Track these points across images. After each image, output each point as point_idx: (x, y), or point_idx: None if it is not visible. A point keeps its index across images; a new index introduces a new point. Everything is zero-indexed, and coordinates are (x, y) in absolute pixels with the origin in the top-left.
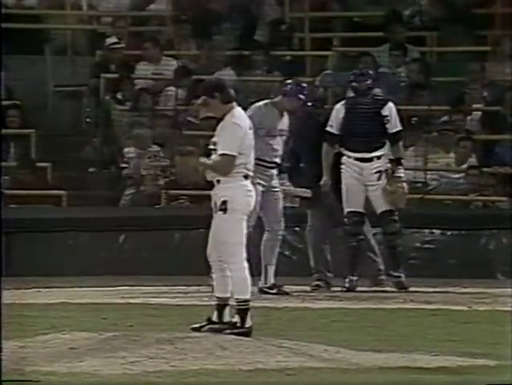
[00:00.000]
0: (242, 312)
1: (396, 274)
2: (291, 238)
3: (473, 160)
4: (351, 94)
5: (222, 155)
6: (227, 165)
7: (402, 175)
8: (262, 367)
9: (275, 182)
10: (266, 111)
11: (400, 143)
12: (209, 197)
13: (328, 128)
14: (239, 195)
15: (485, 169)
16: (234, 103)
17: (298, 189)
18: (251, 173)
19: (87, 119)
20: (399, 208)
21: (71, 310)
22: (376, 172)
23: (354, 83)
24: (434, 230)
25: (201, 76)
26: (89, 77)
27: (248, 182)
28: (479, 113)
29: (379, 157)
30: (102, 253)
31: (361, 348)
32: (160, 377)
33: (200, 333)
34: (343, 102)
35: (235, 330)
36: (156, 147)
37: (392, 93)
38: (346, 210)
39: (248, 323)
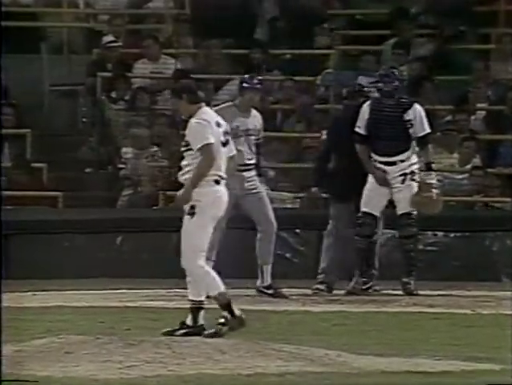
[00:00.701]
0: (225, 306)
1: (405, 280)
2: (293, 240)
3: (477, 161)
4: (376, 94)
5: (200, 148)
6: (209, 155)
7: (433, 181)
8: (261, 372)
9: (254, 183)
10: (225, 113)
11: (430, 146)
12: None
13: (356, 129)
14: (209, 200)
15: (489, 170)
16: (202, 104)
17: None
18: (224, 175)
19: (84, 119)
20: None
21: (68, 314)
22: (401, 175)
23: (379, 84)
24: (437, 232)
25: (199, 75)
26: (86, 76)
27: (220, 187)
28: (483, 112)
29: (403, 160)
30: (99, 255)
31: (362, 352)
32: (158, 382)
33: (198, 337)
34: (368, 102)
35: (187, 330)
36: (154, 148)
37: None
38: (362, 209)
39: (200, 321)
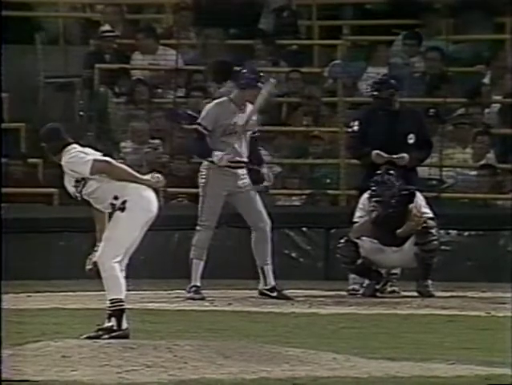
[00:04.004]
0: (118, 313)
1: (424, 283)
2: (298, 239)
3: (491, 156)
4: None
5: (91, 168)
6: (106, 165)
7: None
8: (266, 376)
9: (244, 181)
10: (219, 108)
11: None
12: None
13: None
14: (138, 196)
15: (503, 166)
16: (68, 143)
17: None
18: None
19: (81, 113)
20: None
21: (64, 316)
22: None
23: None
24: (450, 231)
25: (200, 67)
26: (82, 68)
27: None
28: (497, 105)
29: None
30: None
31: (372, 356)
32: None
33: (200, 340)
34: (367, 195)
35: (113, 334)
36: (156, 141)
37: (406, 85)
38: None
39: (124, 325)
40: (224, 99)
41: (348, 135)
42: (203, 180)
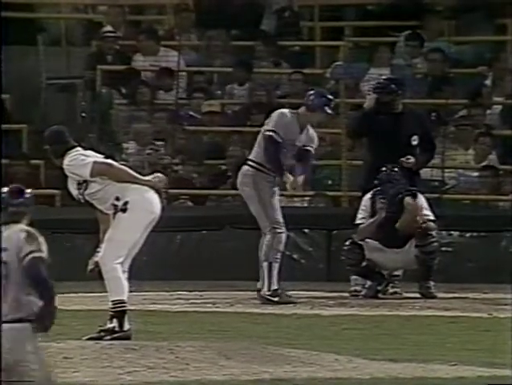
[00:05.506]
0: (119, 314)
1: (426, 285)
2: (300, 240)
3: (493, 157)
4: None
5: (91, 171)
6: (107, 168)
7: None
8: (268, 378)
9: (276, 188)
10: (288, 121)
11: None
12: (212, 197)
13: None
14: (140, 196)
15: (505, 167)
16: (72, 146)
17: None
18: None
19: (83, 114)
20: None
21: (66, 318)
22: None
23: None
24: (452, 232)
25: (202, 68)
26: (84, 69)
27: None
28: (499, 107)
29: None
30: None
31: (374, 357)
32: None
33: (202, 341)
34: (371, 194)
35: (115, 335)
36: (158, 143)
37: (408, 86)
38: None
39: (126, 326)
40: (290, 112)
41: (355, 114)
42: (253, 185)
